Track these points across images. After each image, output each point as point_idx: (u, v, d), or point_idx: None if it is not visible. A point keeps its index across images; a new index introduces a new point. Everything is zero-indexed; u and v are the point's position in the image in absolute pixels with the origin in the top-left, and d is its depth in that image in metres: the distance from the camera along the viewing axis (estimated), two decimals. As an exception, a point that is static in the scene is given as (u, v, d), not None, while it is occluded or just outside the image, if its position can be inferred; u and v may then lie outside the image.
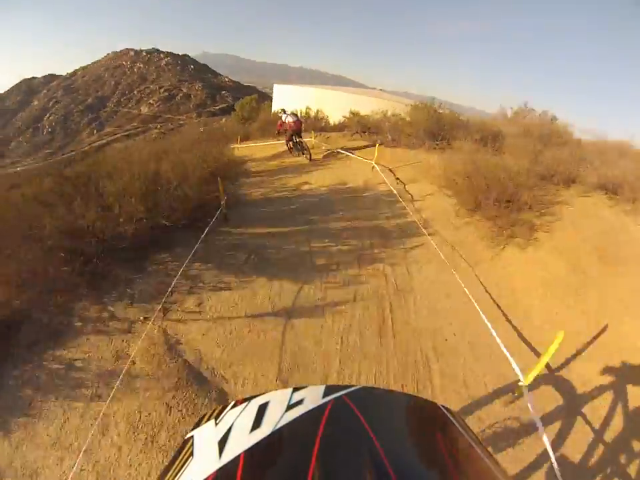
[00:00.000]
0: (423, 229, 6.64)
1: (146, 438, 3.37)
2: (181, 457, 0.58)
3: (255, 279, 5.35)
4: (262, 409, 0.61)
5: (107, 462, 3.19)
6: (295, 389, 0.65)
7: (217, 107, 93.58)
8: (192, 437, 0.62)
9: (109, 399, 3.43)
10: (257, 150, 13.83)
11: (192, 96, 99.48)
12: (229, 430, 0.59)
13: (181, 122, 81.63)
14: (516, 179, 6.76)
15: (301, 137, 11.95)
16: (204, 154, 7.16)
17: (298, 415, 0.58)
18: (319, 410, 0.58)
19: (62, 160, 59.81)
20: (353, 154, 11.67)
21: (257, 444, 0.53)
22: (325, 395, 0.62)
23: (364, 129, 15.91)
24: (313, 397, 0.62)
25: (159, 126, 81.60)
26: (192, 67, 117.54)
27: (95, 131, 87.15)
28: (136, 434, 3.40)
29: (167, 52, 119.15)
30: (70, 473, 2.82)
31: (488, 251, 6.28)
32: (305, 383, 3.96)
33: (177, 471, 0.55)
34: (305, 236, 6.53)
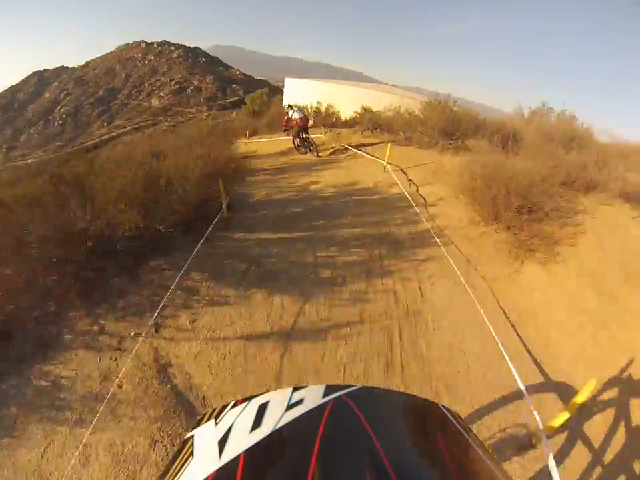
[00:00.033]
0: (437, 239, 6.18)
1: (127, 475, 3.04)
2: (181, 457, 0.57)
3: (254, 294, 4.94)
4: (262, 409, 0.60)
5: (85, 499, 2.90)
6: (295, 389, 0.65)
7: (228, 101, 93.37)
8: (192, 436, 0.62)
9: (92, 426, 3.18)
10: (266, 145, 13.48)
11: (203, 89, 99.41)
12: (229, 430, 0.58)
13: (191, 115, 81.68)
14: (537, 185, 6.28)
15: (308, 133, 11.75)
16: (204, 154, 6.70)
17: (298, 415, 0.57)
18: (319, 410, 0.58)
19: (71, 152, 60.19)
20: (364, 152, 11.24)
21: (257, 444, 0.52)
22: (325, 394, 0.62)
23: (375, 125, 15.51)
24: (313, 396, 0.61)
25: (169, 119, 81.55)
26: (203, 59, 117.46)
27: (105, 124, 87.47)
28: (117, 469, 3.07)
29: (178, 44, 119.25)
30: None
31: (506, 266, 5.78)
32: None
33: (177, 470, 0.54)
34: (309, 244, 6.11)
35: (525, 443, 3.37)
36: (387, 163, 9.43)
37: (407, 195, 7.69)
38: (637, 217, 6.31)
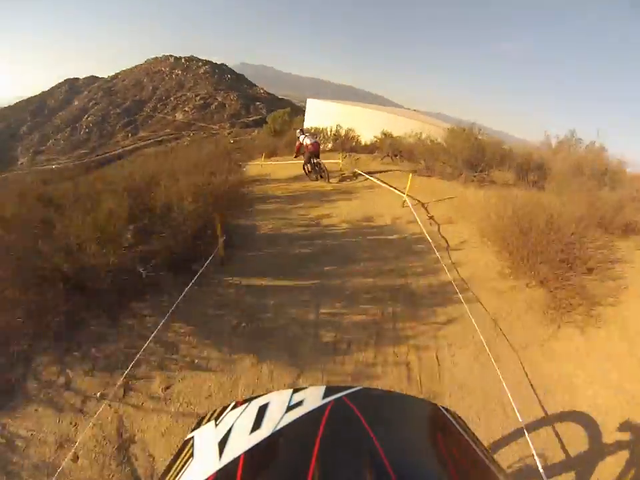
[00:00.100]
0: (460, 294, 5.30)
1: None
2: (181, 458, 0.57)
3: (240, 359, 4.21)
4: (262, 410, 0.60)
5: None
6: (295, 390, 0.64)
7: (250, 119, 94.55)
8: (192, 437, 0.61)
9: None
10: (281, 169, 12.95)
11: (227, 105, 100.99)
12: (229, 431, 0.58)
13: (214, 131, 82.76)
14: (574, 229, 5.47)
15: (319, 158, 11.38)
16: (202, 182, 5.99)
17: (298, 416, 0.57)
18: (319, 411, 0.57)
19: (93, 161, 61.74)
20: (382, 182, 10.58)
21: (257, 445, 0.52)
22: (325, 396, 0.61)
23: (396, 152, 15.03)
24: (313, 398, 0.61)
25: (191, 134, 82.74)
26: (229, 76, 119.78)
27: (130, 135, 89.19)
28: None
29: (206, 60, 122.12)
30: None
31: (539, 330, 4.91)
32: None
33: (177, 471, 0.54)
34: (313, 295, 5.31)
35: None
36: (407, 195, 8.69)
37: (427, 235, 6.90)
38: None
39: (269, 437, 0.53)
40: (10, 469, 3.12)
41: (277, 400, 0.62)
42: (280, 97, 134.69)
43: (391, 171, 12.79)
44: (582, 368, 4.35)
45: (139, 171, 7.09)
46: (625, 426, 3.67)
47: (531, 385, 4.15)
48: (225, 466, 0.49)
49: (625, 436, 3.60)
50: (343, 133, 17.84)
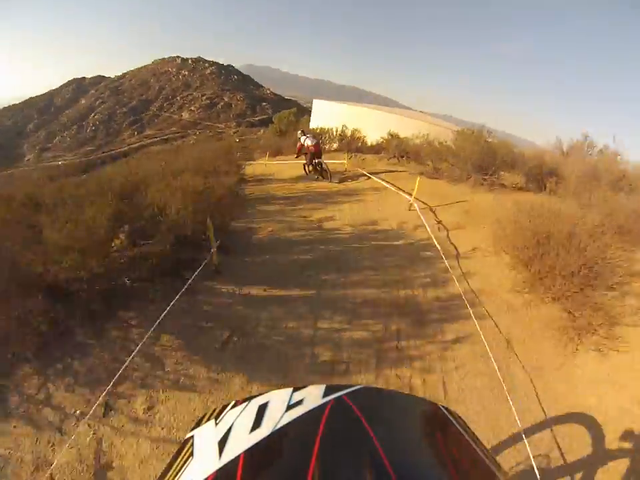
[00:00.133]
0: (470, 309, 4.82)
1: None
2: (180, 457, 0.56)
3: (229, 378, 3.84)
4: (262, 409, 0.59)
5: None
6: (295, 389, 0.62)
7: (257, 118, 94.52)
8: (192, 436, 0.60)
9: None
10: (286, 168, 12.64)
11: (233, 105, 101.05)
12: (229, 430, 0.56)
13: (220, 130, 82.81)
14: (592, 240, 5.01)
15: (321, 159, 11.31)
16: (193, 185, 5.56)
17: (298, 415, 0.56)
18: (319, 410, 0.56)
19: (99, 158, 61.98)
20: (388, 183, 10.22)
21: (257, 444, 0.51)
22: (325, 394, 0.60)
23: (402, 153, 14.76)
24: (313, 397, 0.59)
25: (197, 132, 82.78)
26: (235, 77, 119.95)
27: (136, 133, 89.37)
28: None
29: (212, 61, 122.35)
30: None
31: (554, 352, 4.44)
32: None
33: (177, 470, 0.53)
34: (311, 308, 4.87)
35: None
36: (415, 199, 8.31)
37: (435, 241, 6.50)
38: None
39: (269, 435, 0.52)
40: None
41: (277, 399, 0.61)
42: (286, 97, 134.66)
43: (397, 172, 12.48)
44: (603, 401, 3.84)
45: (128, 172, 6.71)
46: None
47: (546, 416, 3.69)
48: (225, 465, 0.49)
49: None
50: (348, 133, 17.56)
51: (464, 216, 7.90)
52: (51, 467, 2.93)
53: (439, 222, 7.72)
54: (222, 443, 0.53)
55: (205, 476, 0.48)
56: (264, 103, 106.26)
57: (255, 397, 0.63)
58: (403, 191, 9.43)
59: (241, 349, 4.19)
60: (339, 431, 0.52)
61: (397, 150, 14.80)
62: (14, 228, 4.36)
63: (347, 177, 11.79)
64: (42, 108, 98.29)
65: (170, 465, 0.56)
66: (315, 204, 8.90)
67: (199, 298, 4.89)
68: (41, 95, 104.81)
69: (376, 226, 7.53)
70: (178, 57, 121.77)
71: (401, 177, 11.56)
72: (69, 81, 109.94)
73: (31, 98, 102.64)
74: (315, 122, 23.73)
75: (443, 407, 0.64)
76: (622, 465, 3.26)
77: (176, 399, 3.56)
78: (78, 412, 3.40)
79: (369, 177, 11.21)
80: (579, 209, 6.08)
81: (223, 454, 0.51)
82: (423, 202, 8.72)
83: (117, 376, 3.43)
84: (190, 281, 4.65)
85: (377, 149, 16.78)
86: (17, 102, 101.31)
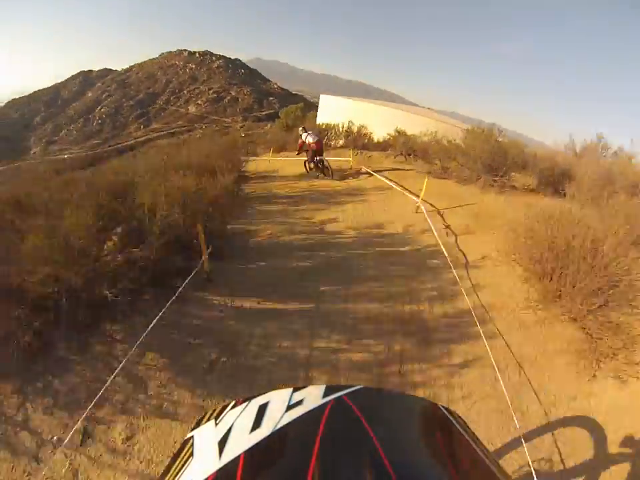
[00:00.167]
0: (479, 326, 4.38)
1: None
2: (181, 457, 0.56)
3: (214, 406, 3.47)
4: (262, 409, 0.58)
5: None
6: (295, 389, 0.62)
7: (263, 113, 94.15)
8: (192, 437, 0.59)
9: None
10: (290, 164, 12.30)
11: (239, 99, 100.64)
12: (229, 430, 0.56)
13: (227, 124, 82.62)
14: (616, 254, 4.56)
15: (323, 156, 11.07)
16: (192, 185, 5.21)
17: (298, 415, 0.55)
18: (319, 410, 0.56)
19: (105, 151, 62.08)
20: (395, 183, 9.83)
21: (257, 444, 0.51)
22: (325, 395, 0.59)
23: (409, 151, 14.40)
24: (313, 397, 0.59)
25: (204, 126, 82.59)
26: (242, 71, 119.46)
27: (142, 126, 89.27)
28: None
29: (220, 55, 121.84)
30: None
31: (570, 379, 3.99)
32: None
33: (177, 470, 0.53)
34: (308, 323, 4.47)
35: None
36: (422, 200, 7.93)
37: (443, 248, 6.09)
38: None
39: (269, 436, 0.52)
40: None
41: (277, 399, 0.60)
42: (293, 92, 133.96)
43: (403, 170, 12.13)
44: (613, 434, 3.45)
45: (121, 170, 6.37)
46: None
47: (562, 462, 3.24)
48: (225, 465, 0.48)
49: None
50: (355, 129, 17.14)
51: (473, 220, 7.52)
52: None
53: (447, 226, 7.34)
54: (222, 443, 0.53)
55: (205, 476, 0.47)
56: (271, 98, 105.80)
57: (255, 397, 0.62)
58: (410, 191, 9.05)
59: (229, 370, 3.84)
60: (339, 431, 0.52)
61: (404, 147, 14.47)
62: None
63: (351, 174, 11.50)
64: (49, 101, 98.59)
65: (170, 465, 0.55)
66: (317, 204, 8.56)
67: (188, 310, 4.57)
68: (48, 87, 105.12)
69: (381, 229, 7.16)
70: (185, 50, 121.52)
71: (408, 176, 11.20)
72: (75, 74, 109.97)
73: (37, 91, 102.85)
74: (322, 117, 23.41)
75: (443, 406, 0.63)
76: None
77: (157, 427, 3.26)
78: (55, 438, 3.17)
79: (375, 176, 10.82)
80: (598, 217, 5.67)
81: (223, 454, 0.50)
82: (430, 204, 8.35)
83: (97, 397, 3.14)
84: (179, 291, 4.33)
85: (383, 146, 16.45)
86: (17, 96, 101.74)
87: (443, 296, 5.13)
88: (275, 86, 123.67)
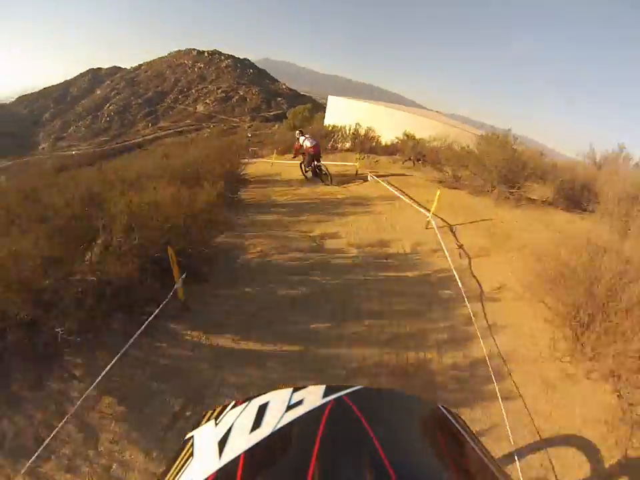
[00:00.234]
0: (496, 383, 3.60)
1: None
2: (180, 457, 0.56)
3: None
4: (262, 409, 0.58)
5: None
6: (295, 389, 0.61)
7: (271, 113, 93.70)
8: (192, 437, 0.59)
9: None
10: (293, 168, 11.56)
11: (248, 99, 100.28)
12: (229, 430, 0.56)
13: (234, 124, 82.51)
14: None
15: (320, 161, 10.55)
16: (170, 197, 4.43)
17: (298, 415, 0.54)
18: (319, 410, 0.55)
19: (113, 148, 62.04)
20: (403, 194, 9.09)
21: (257, 444, 0.51)
22: (325, 395, 0.58)
23: (418, 156, 13.74)
24: (312, 397, 0.58)
25: (211, 125, 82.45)
26: (251, 71, 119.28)
27: (150, 124, 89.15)
28: None
29: (228, 54, 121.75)
30: None
31: (603, 459, 3.09)
32: None
33: (177, 470, 0.53)
34: (289, 373, 3.72)
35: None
36: (432, 215, 7.14)
37: (455, 273, 5.32)
38: None
39: (269, 436, 0.51)
40: None
41: (277, 399, 0.59)
42: (302, 93, 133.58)
43: (412, 177, 11.39)
44: None
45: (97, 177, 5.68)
46: None
47: None
48: (225, 465, 0.48)
49: None
50: (362, 132, 16.44)
51: (488, 239, 6.74)
52: None
53: (460, 246, 6.54)
54: (222, 443, 0.52)
55: (205, 476, 0.47)
56: (279, 98, 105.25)
57: (255, 397, 0.61)
58: (419, 203, 8.32)
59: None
60: (339, 431, 0.51)
61: (413, 152, 13.86)
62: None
63: (356, 181, 10.87)
64: (58, 97, 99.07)
65: (170, 465, 0.55)
66: (318, 214, 7.83)
67: (158, 344, 3.88)
68: (57, 84, 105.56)
69: (386, 248, 6.36)
70: (194, 49, 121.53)
71: (417, 184, 10.50)
72: (84, 72, 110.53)
73: (47, 87, 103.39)
74: (330, 119, 22.90)
75: (443, 406, 0.63)
76: None
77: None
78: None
79: (380, 182, 10.09)
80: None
81: (223, 454, 0.50)
82: (441, 217, 7.59)
83: (40, 448, 2.64)
84: (146, 322, 3.65)
85: (391, 150, 15.83)
86: (14, 97, 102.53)
87: (454, 339, 4.31)
88: (284, 86, 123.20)
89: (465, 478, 0.48)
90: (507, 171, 8.89)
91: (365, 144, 15.97)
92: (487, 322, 4.62)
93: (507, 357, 4.10)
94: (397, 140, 15.67)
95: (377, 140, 16.82)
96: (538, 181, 9.81)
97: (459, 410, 3.44)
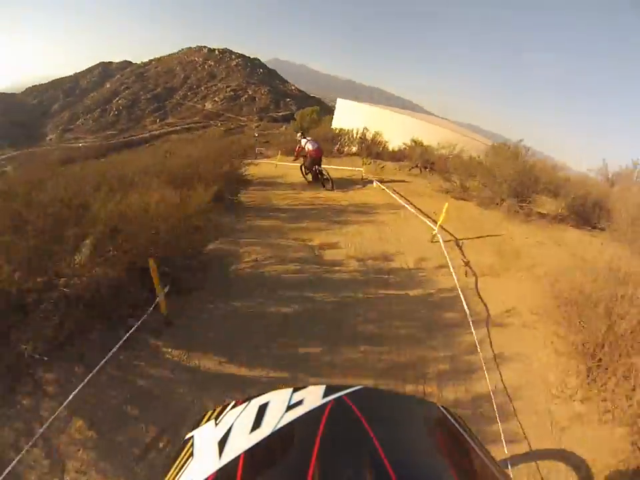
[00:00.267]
0: (500, 424, 3.22)
1: None
2: (181, 457, 0.56)
3: None
4: (262, 410, 0.58)
5: None
6: (295, 390, 0.61)
7: (280, 114, 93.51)
8: (192, 437, 0.59)
9: None
10: (297, 171, 11.24)
11: (256, 99, 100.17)
12: (229, 430, 0.56)
13: (242, 123, 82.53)
14: None
15: (321, 165, 10.38)
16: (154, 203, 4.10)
17: (298, 416, 0.55)
18: (319, 410, 0.55)
19: (120, 142, 62.21)
20: (408, 203, 8.78)
21: (257, 444, 0.51)
22: (325, 395, 0.59)
23: (426, 163, 13.45)
24: (313, 397, 0.59)
25: (219, 123, 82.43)
26: (261, 70, 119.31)
27: (158, 120, 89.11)
28: None
29: (239, 53, 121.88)
30: None
31: None
32: None
33: (177, 470, 0.53)
34: None
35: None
36: (439, 227, 6.82)
37: (461, 294, 4.97)
38: None
39: (269, 436, 0.51)
40: None
41: (277, 399, 0.59)
42: (311, 94, 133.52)
43: (419, 185, 11.17)
44: None
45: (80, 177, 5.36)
46: None
47: None
48: (225, 465, 0.48)
49: None
50: (369, 136, 16.14)
51: (497, 257, 6.39)
52: None
53: (467, 263, 6.18)
54: (222, 443, 0.52)
55: (205, 476, 0.47)
56: (288, 99, 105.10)
57: (255, 397, 0.61)
58: (426, 214, 8.01)
59: (165, 460, 2.83)
60: (339, 431, 0.51)
61: (421, 159, 13.58)
62: None
63: (360, 187, 10.63)
64: (67, 89, 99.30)
65: (170, 465, 0.55)
66: (319, 222, 7.52)
67: (135, 363, 3.55)
68: (67, 76, 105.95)
69: (389, 262, 5.99)
70: (205, 47, 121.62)
71: (424, 194, 10.21)
72: (94, 65, 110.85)
73: (57, 79, 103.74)
74: (338, 121, 22.68)
75: (443, 407, 0.63)
76: None
77: None
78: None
79: (386, 190, 9.78)
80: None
81: (223, 454, 0.50)
82: (447, 231, 7.26)
83: (5, 472, 2.36)
84: (125, 337, 3.33)
85: (398, 156, 15.61)
86: (14, 91, 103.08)
87: (457, 371, 3.91)
88: (293, 87, 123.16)
89: (465, 478, 0.47)
90: (518, 184, 8.57)
91: (371, 148, 15.76)
92: (493, 351, 4.24)
93: (513, 393, 3.73)
94: (404, 146, 15.41)
95: (384, 145, 16.57)
96: (549, 195, 9.52)
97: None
